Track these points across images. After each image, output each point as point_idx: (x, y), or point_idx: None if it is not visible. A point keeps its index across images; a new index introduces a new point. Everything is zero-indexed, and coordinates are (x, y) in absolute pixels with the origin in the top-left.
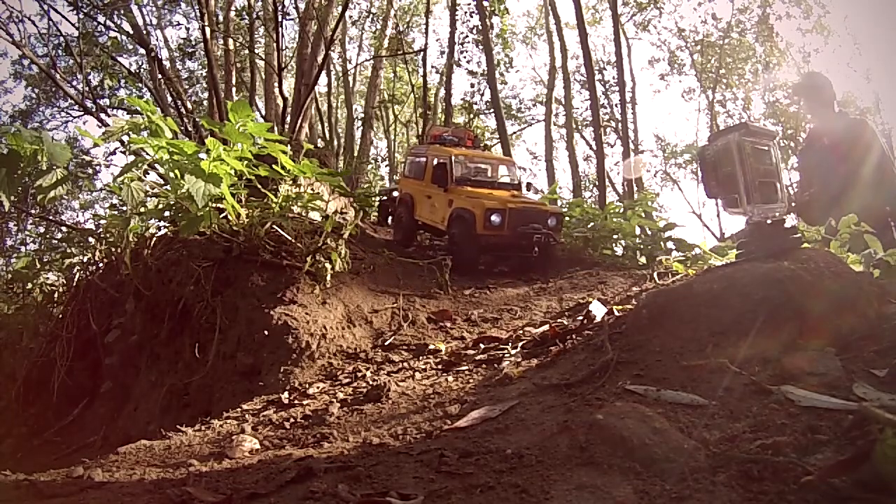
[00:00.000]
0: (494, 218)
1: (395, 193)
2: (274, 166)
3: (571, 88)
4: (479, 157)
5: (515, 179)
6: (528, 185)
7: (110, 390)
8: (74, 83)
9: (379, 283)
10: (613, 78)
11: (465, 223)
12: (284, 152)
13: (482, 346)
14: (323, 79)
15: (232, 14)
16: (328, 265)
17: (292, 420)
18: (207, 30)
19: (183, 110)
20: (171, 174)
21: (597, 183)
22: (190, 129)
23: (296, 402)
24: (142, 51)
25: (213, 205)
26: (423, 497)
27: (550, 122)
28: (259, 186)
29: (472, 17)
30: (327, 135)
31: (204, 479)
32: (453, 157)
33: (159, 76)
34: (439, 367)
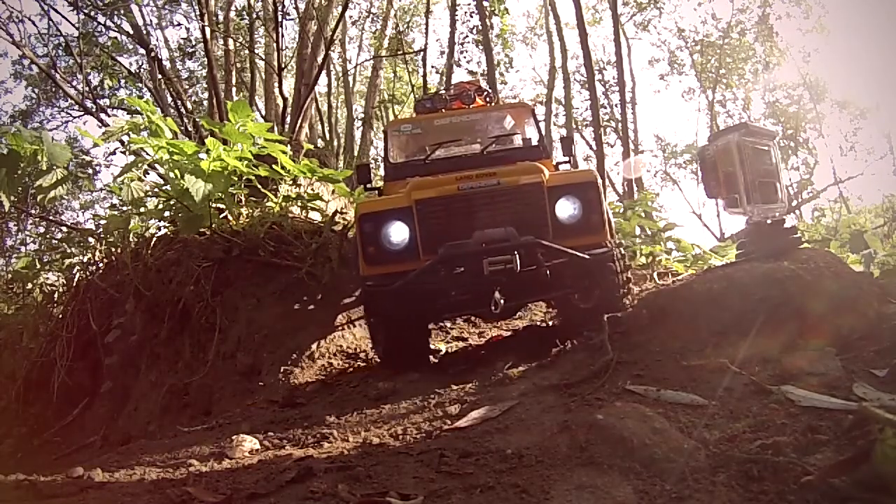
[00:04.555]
0: (391, 233)
1: None
2: (274, 166)
3: (571, 88)
4: (452, 120)
5: (534, 139)
6: (568, 144)
7: (110, 390)
8: (74, 83)
9: None
10: (613, 78)
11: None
12: (284, 152)
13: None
14: (323, 79)
15: (232, 14)
16: (328, 265)
17: (292, 420)
18: (207, 30)
19: (183, 110)
20: (171, 174)
21: None
22: (190, 129)
23: (296, 401)
24: (142, 51)
25: (213, 205)
26: (423, 497)
27: (550, 122)
28: (259, 186)
29: (472, 17)
30: (327, 135)
31: (204, 479)
32: (391, 133)
33: (159, 76)
34: (440, 366)
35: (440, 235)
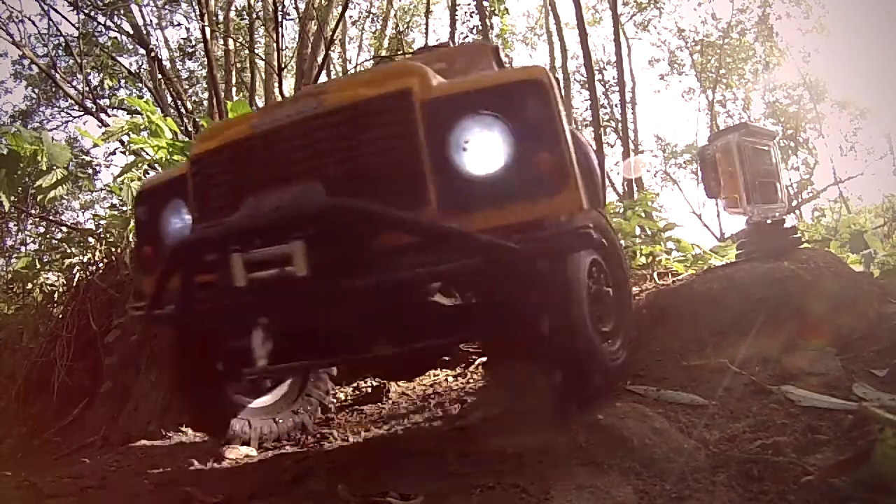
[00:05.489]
0: (173, 220)
1: None
2: None
3: (571, 88)
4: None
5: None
6: None
7: (110, 390)
8: (74, 83)
9: None
10: (613, 78)
11: None
12: None
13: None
14: (323, 79)
15: (232, 14)
16: None
17: None
18: (207, 30)
19: (183, 110)
20: None
21: None
22: (190, 129)
23: None
24: (142, 51)
25: None
26: (423, 497)
27: None
28: None
29: (472, 17)
30: None
31: (204, 479)
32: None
33: (159, 76)
34: (440, 367)
35: (227, 211)
